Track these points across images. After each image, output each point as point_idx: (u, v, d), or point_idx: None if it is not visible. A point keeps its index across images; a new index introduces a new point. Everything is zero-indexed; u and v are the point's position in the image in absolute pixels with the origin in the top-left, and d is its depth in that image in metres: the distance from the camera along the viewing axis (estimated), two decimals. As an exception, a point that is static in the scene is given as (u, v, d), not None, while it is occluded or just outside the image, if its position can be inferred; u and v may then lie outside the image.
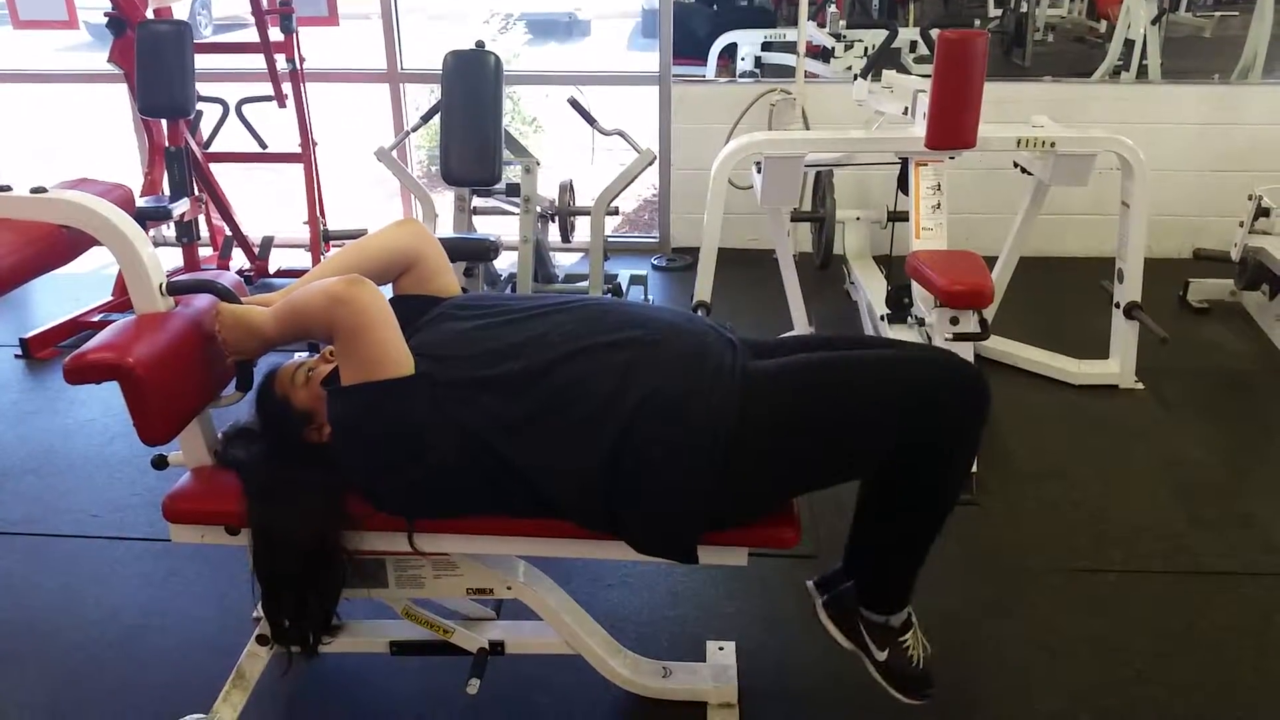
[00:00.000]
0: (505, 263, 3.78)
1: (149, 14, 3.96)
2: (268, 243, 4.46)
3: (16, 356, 3.72)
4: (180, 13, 4.40)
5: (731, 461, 1.58)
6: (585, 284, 3.91)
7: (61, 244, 3.19)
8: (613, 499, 1.62)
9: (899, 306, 3.32)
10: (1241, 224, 3.71)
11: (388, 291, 1.95)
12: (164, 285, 1.75)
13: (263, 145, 4.40)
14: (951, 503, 1.69)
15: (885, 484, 1.69)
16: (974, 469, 2.75)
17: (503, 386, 1.64)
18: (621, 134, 3.77)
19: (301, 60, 4.18)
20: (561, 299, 1.81)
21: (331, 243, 4.34)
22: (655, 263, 4.74)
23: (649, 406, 1.59)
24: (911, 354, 1.74)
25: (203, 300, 1.82)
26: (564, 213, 3.87)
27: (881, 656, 1.82)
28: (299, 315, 1.69)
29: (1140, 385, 3.38)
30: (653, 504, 1.61)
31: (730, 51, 5.02)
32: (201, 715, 1.85)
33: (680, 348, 1.67)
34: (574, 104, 3.83)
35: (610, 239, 4.20)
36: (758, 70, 4.99)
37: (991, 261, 3.37)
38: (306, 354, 1.86)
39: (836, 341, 1.80)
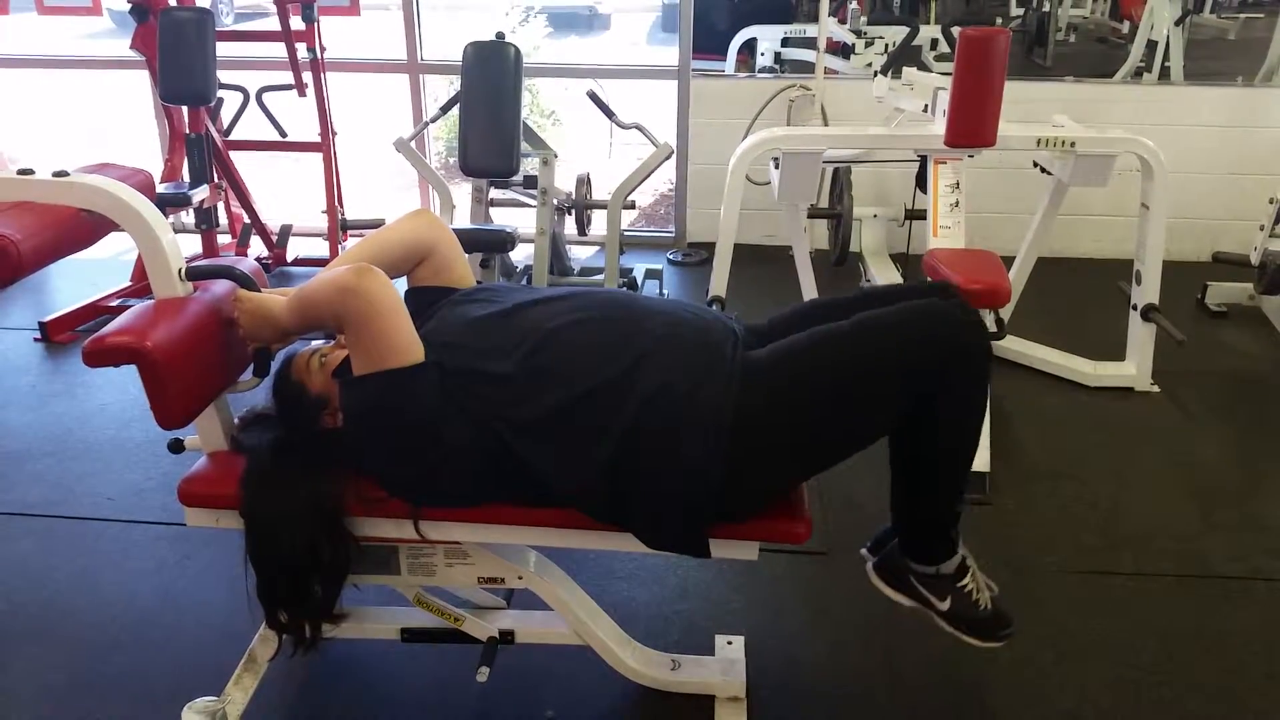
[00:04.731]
0: (521, 255, 3.79)
1: (171, 1, 3.98)
2: (286, 231, 4.49)
3: (35, 340, 3.74)
4: (202, 0, 4.42)
5: (733, 456, 1.58)
6: (600, 277, 3.91)
7: (82, 228, 3.21)
8: (616, 495, 1.63)
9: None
10: (1262, 228, 3.68)
11: (403, 284, 1.97)
12: (183, 270, 1.76)
13: (282, 134, 4.42)
14: (971, 449, 1.69)
15: (905, 441, 1.69)
16: (988, 469, 2.75)
17: (506, 380, 1.64)
18: (639, 128, 3.77)
19: (322, 49, 4.19)
20: (572, 290, 1.81)
21: (349, 232, 4.36)
22: (671, 257, 4.74)
23: (652, 406, 1.60)
24: (904, 316, 1.65)
25: (221, 286, 1.83)
26: (581, 206, 3.88)
27: (944, 606, 1.80)
28: (310, 306, 1.69)
29: (1156, 388, 3.37)
30: (654, 503, 1.62)
31: (750, 46, 5.00)
32: (213, 698, 1.86)
33: (684, 343, 1.67)
34: (593, 97, 3.83)
35: (626, 233, 4.21)
36: (777, 66, 4.98)
37: (1009, 261, 3.36)
38: (323, 340, 1.88)
39: (828, 308, 1.78)
